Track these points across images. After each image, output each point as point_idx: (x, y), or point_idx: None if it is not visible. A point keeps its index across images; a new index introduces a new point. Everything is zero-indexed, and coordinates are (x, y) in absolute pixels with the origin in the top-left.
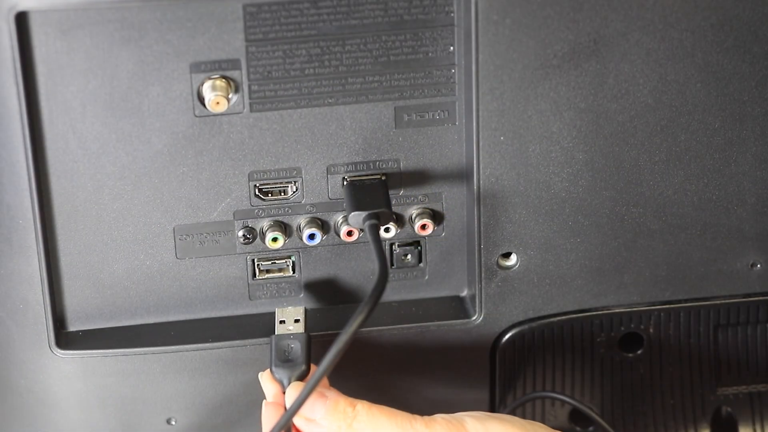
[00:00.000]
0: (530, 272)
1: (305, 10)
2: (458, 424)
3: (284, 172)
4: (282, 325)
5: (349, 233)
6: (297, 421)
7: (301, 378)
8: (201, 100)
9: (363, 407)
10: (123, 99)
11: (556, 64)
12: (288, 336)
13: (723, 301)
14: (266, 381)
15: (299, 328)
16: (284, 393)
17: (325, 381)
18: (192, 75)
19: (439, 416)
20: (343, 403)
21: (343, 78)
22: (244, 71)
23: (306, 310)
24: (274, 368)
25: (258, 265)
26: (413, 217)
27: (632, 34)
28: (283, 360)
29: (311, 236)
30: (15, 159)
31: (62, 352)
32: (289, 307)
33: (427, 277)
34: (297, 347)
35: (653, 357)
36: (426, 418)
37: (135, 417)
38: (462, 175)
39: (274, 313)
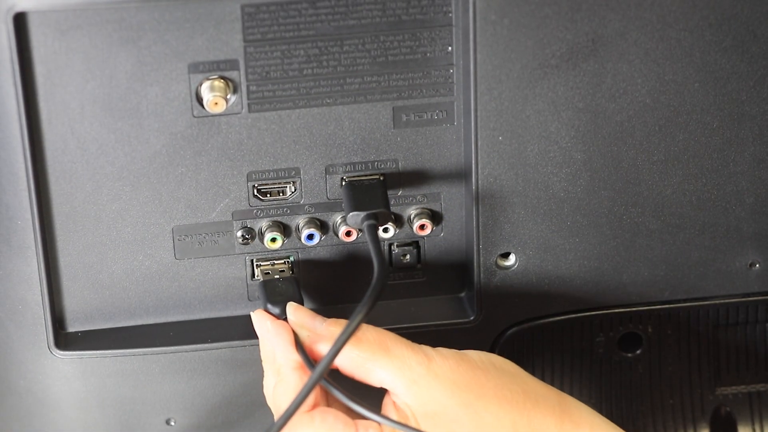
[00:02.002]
0: (529, 272)
1: (303, 10)
2: (461, 353)
3: (283, 173)
4: (268, 275)
5: (348, 233)
6: (300, 332)
7: None
8: (199, 100)
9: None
10: (121, 100)
11: (554, 64)
12: (277, 280)
13: (722, 301)
14: (262, 315)
15: (286, 275)
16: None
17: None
18: (190, 75)
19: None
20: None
21: (342, 78)
22: (242, 72)
23: (290, 262)
24: (269, 306)
25: (257, 265)
26: (412, 217)
27: (630, 33)
28: (278, 298)
29: (310, 236)
30: (14, 160)
31: (61, 352)
32: (275, 262)
33: (425, 278)
34: (288, 286)
35: (652, 357)
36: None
37: (134, 417)
38: (460, 175)
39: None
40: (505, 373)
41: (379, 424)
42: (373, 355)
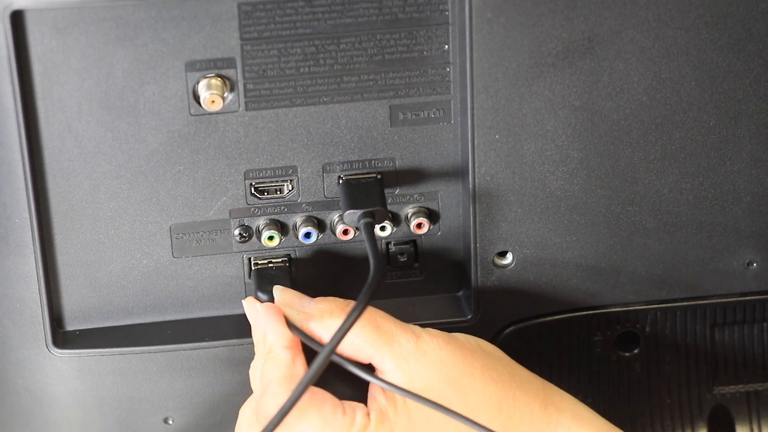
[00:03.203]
0: (526, 271)
1: (300, 8)
2: (449, 333)
3: (280, 171)
4: (261, 265)
5: (345, 232)
6: (289, 312)
7: None
8: (196, 98)
9: None
10: (119, 98)
11: (550, 63)
12: (270, 268)
13: (719, 300)
14: (251, 301)
15: (280, 266)
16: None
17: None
18: (187, 74)
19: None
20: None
21: (338, 76)
22: (239, 70)
23: (288, 260)
24: (259, 294)
25: (254, 263)
26: (409, 215)
27: (626, 32)
28: (268, 287)
29: (307, 235)
30: (11, 158)
31: (59, 351)
32: (272, 260)
33: (422, 276)
34: (279, 274)
35: (650, 356)
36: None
37: (132, 416)
38: (457, 174)
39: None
40: (491, 356)
41: (365, 405)
42: (363, 331)
